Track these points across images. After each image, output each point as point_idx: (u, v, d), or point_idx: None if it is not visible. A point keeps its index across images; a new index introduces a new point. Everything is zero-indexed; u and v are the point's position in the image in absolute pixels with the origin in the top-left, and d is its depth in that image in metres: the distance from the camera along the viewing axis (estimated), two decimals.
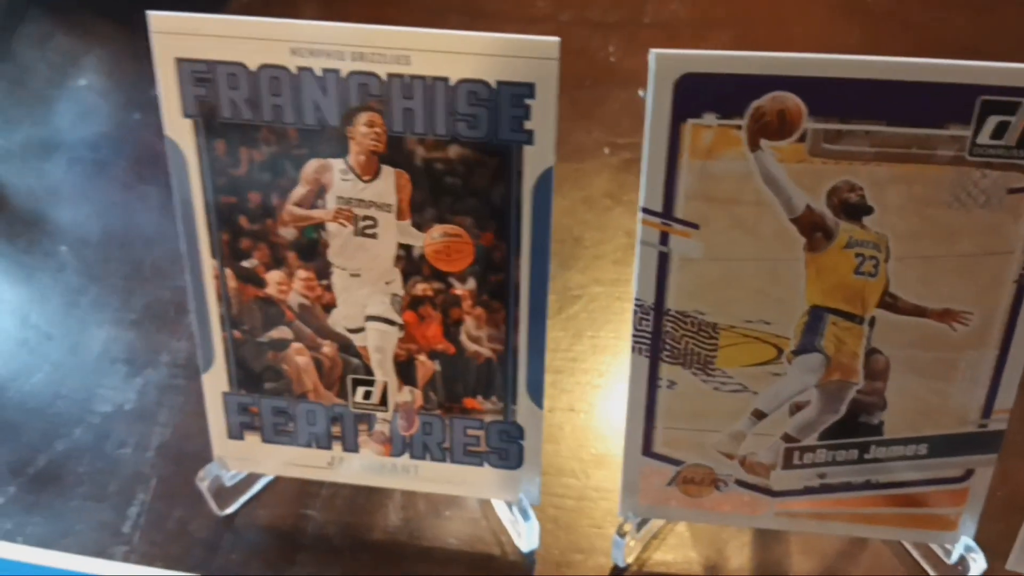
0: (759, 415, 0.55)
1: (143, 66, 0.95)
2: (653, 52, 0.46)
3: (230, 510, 0.63)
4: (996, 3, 1.02)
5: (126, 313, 0.76)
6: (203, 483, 0.61)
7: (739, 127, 0.47)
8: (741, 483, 0.57)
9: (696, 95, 0.47)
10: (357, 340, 0.56)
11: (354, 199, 0.52)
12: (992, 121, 0.46)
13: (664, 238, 0.50)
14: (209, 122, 0.51)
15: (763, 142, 0.48)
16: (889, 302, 0.51)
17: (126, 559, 0.61)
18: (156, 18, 0.50)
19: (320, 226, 0.53)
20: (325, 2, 1.03)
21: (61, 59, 0.98)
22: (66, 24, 1.01)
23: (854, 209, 0.49)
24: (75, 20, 1.02)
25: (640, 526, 0.60)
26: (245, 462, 0.62)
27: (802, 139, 0.47)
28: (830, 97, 0.46)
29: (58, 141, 0.90)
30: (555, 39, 0.47)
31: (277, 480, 0.64)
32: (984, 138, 0.47)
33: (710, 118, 0.47)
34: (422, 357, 0.56)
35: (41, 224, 0.83)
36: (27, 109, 0.93)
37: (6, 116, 0.92)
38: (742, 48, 0.93)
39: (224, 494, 0.62)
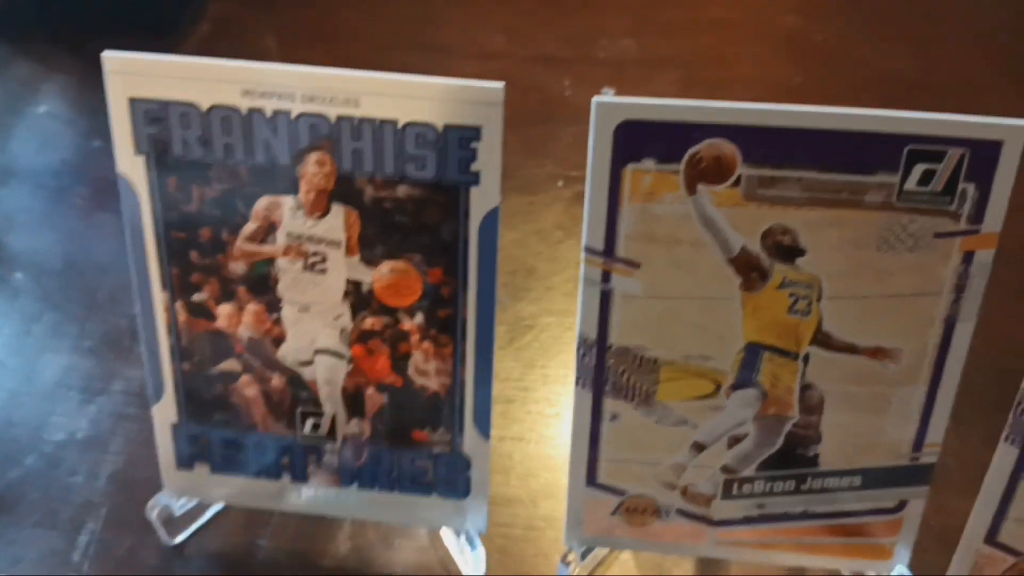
0: (699, 447, 0.56)
1: (103, 95, 0.96)
2: (594, 100, 0.48)
3: (180, 539, 0.63)
4: (938, 38, 1.04)
5: (81, 341, 0.76)
6: (153, 512, 0.62)
7: (677, 172, 0.49)
8: (682, 513, 0.58)
9: (636, 141, 0.48)
10: (306, 373, 0.57)
11: (304, 235, 0.53)
12: (919, 169, 0.48)
13: (606, 276, 0.52)
14: (161, 159, 0.52)
15: (700, 186, 0.49)
16: (822, 339, 0.53)
17: None
18: (110, 58, 0.51)
19: (271, 261, 0.54)
20: (281, 35, 1.04)
21: (19, 86, 0.98)
22: (24, 51, 1.02)
23: (787, 251, 0.51)
24: (33, 48, 1.02)
25: (585, 554, 0.61)
26: (194, 492, 0.62)
27: (737, 184, 0.49)
28: (764, 144, 0.48)
29: (16, 167, 0.90)
30: (500, 84, 0.49)
31: (227, 510, 0.64)
32: (911, 185, 0.49)
33: (649, 163, 0.49)
34: (370, 390, 0.57)
35: None
36: None
37: None
38: (688, 86, 0.95)
39: (174, 523, 0.63)
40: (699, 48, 1.00)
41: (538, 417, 0.71)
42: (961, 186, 0.49)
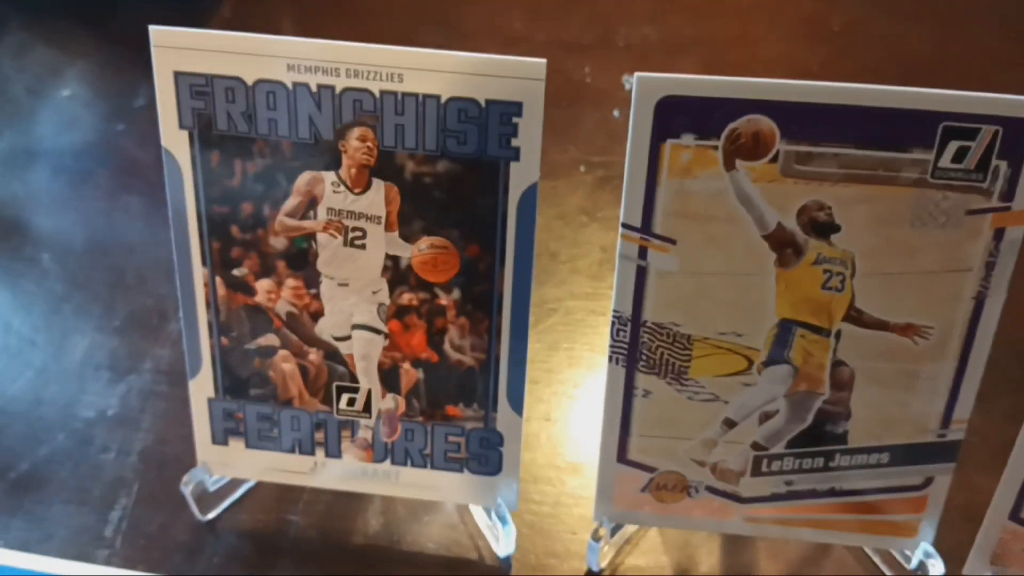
0: (729, 424, 0.57)
1: (126, 77, 0.97)
2: (636, 75, 0.49)
3: (212, 515, 0.64)
4: (957, 17, 1.05)
5: (109, 320, 0.76)
6: (187, 488, 0.62)
7: (715, 148, 0.50)
8: (711, 489, 0.59)
9: (675, 117, 0.49)
10: (343, 348, 0.58)
11: (344, 211, 0.54)
12: (953, 146, 0.49)
13: (643, 252, 0.53)
14: (205, 134, 0.53)
15: (738, 162, 0.50)
16: (854, 316, 0.53)
17: (108, 562, 0.62)
18: (157, 32, 0.51)
19: (310, 236, 0.55)
20: (303, 18, 1.05)
21: (43, 70, 0.98)
22: (46, 35, 1.02)
23: (823, 227, 0.51)
24: (56, 32, 1.02)
25: (614, 531, 0.62)
26: (228, 467, 0.63)
27: (775, 160, 0.50)
28: (802, 121, 0.49)
29: (41, 150, 0.91)
30: (542, 60, 0.50)
31: (258, 486, 0.65)
32: (945, 162, 0.49)
33: (688, 139, 0.50)
34: (406, 365, 0.58)
35: (24, 232, 0.83)
36: (9, 118, 0.94)
37: None
38: (710, 70, 0.96)
39: (207, 499, 0.63)
40: (719, 33, 1.01)
41: (564, 398, 0.72)
42: (994, 163, 0.49)
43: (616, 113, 0.90)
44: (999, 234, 0.51)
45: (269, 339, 0.58)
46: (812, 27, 1.02)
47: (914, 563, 0.60)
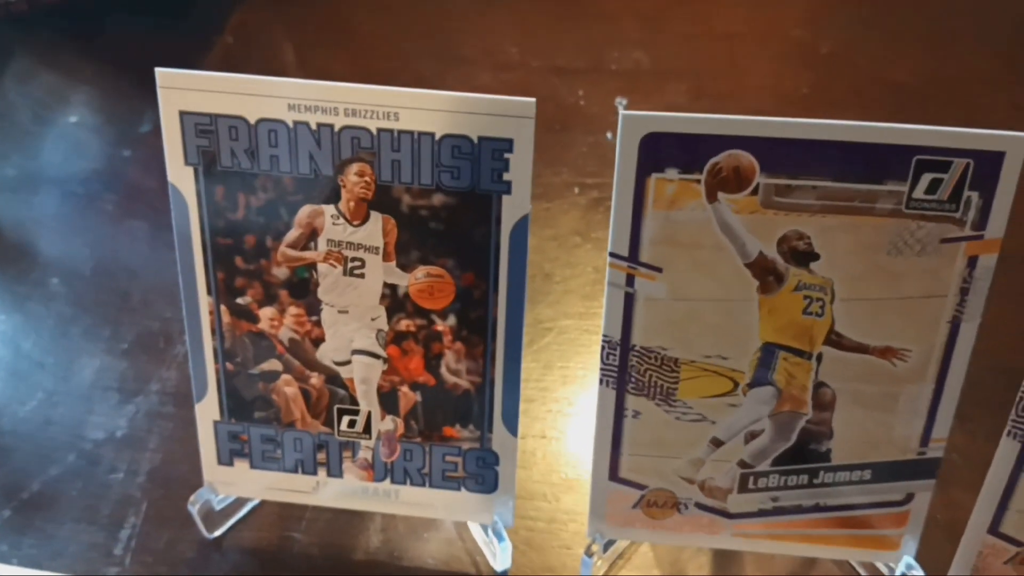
0: (717, 443, 0.59)
1: (131, 104, 0.99)
2: (622, 113, 0.51)
3: (218, 532, 0.66)
4: (944, 40, 1.07)
5: (116, 343, 0.78)
6: (194, 507, 0.64)
7: (698, 181, 0.52)
8: (700, 506, 0.61)
9: (660, 152, 0.51)
10: (344, 372, 0.60)
11: (344, 242, 0.56)
12: (926, 178, 0.51)
13: (630, 280, 0.55)
14: (209, 170, 0.55)
15: (720, 195, 0.52)
16: (835, 340, 0.55)
17: None
18: (163, 74, 0.53)
19: (311, 266, 0.57)
20: (301, 45, 1.07)
21: (49, 97, 1.00)
22: (52, 63, 1.04)
23: (802, 256, 0.53)
24: (61, 60, 1.04)
25: (607, 547, 0.63)
26: (233, 487, 0.65)
27: (755, 192, 0.52)
28: (780, 155, 0.51)
29: (48, 176, 0.92)
30: (531, 100, 0.52)
31: (262, 504, 0.67)
32: (919, 193, 0.51)
33: (672, 172, 0.52)
34: (404, 388, 0.60)
35: (32, 256, 0.85)
36: (16, 143, 0.96)
37: None
38: (700, 93, 0.98)
39: (213, 517, 0.65)
40: (709, 59, 1.03)
41: (558, 416, 0.74)
42: (966, 194, 0.51)
43: (609, 136, 0.92)
44: (972, 261, 0.53)
45: (272, 364, 0.60)
46: (800, 52, 1.04)
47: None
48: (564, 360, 0.78)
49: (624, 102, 0.51)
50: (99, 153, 0.95)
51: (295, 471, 0.63)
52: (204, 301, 0.59)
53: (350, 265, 0.57)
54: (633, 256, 0.54)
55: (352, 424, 0.61)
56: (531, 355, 0.78)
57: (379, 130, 0.53)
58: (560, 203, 0.87)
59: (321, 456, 0.63)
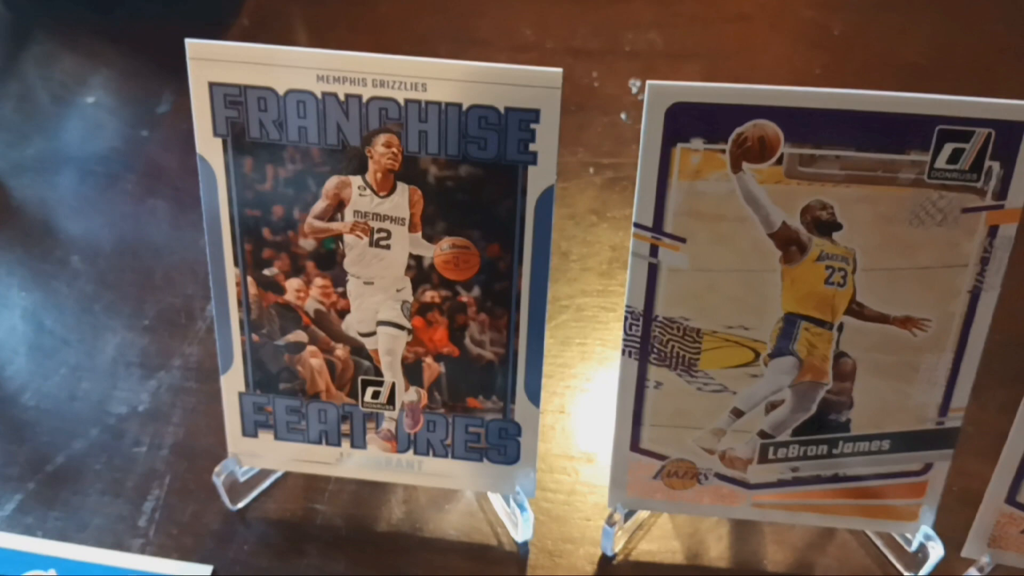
0: (737, 413, 0.60)
1: (149, 85, 0.99)
2: (648, 83, 0.51)
3: (242, 504, 0.67)
4: (958, 16, 1.07)
5: (138, 319, 0.79)
6: (219, 478, 0.65)
7: (723, 151, 0.52)
8: (720, 476, 0.62)
9: (685, 122, 0.52)
10: (368, 343, 0.61)
11: (370, 213, 0.57)
12: (948, 148, 0.52)
13: (654, 250, 0.55)
14: (238, 141, 0.56)
15: (744, 165, 0.53)
16: (856, 310, 0.56)
17: (142, 551, 0.64)
18: (193, 45, 0.54)
19: (338, 238, 0.58)
20: (318, 27, 1.07)
21: (68, 78, 1.01)
22: (71, 46, 1.05)
23: (825, 226, 0.54)
24: (79, 42, 1.05)
25: (627, 517, 0.64)
26: (258, 458, 0.65)
27: (779, 162, 0.53)
28: (805, 125, 0.51)
29: (69, 156, 0.93)
30: (558, 70, 0.52)
31: (286, 476, 0.68)
32: (941, 163, 0.52)
33: (697, 143, 0.52)
34: (429, 359, 0.61)
35: (54, 234, 0.86)
36: (37, 125, 0.96)
37: (18, 131, 0.95)
38: (714, 74, 0.98)
39: (237, 489, 0.66)
40: (722, 41, 1.03)
41: (577, 391, 0.75)
42: (987, 164, 0.52)
43: (624, 116, 0.92)
44: (993, 231, 0.53)
45: (298, 335, 0.61)
46: (813, 32, 1.04)
47: (915, 546, 0.62)
48: (582, 337, 0.78)
49: (637, 83, 0.51)
50: (118, 133, 0.96)
51: (319, 442, 0.64)
52: (231, 273, 0.59)
53: (376, 236, 0.57)
54: (657, 226, 0.55)
55: (376, 395, 0.62)
56: (549, 332, 0.78)
57: (407, 101, 0.54)
58: (577, 183, 0.88)
59: (345, 427, 0.63)
